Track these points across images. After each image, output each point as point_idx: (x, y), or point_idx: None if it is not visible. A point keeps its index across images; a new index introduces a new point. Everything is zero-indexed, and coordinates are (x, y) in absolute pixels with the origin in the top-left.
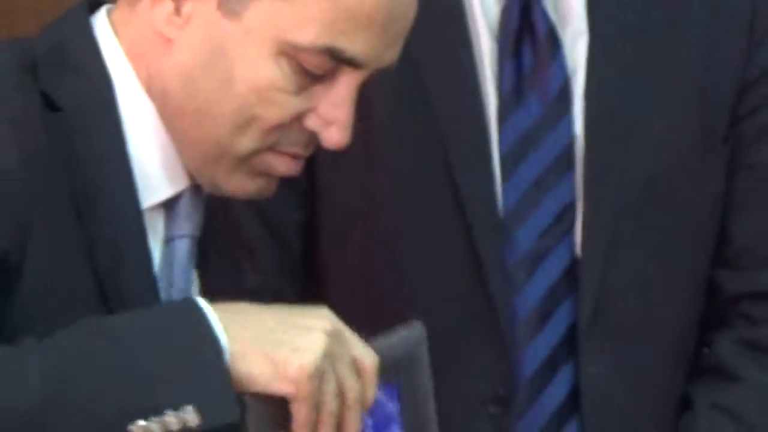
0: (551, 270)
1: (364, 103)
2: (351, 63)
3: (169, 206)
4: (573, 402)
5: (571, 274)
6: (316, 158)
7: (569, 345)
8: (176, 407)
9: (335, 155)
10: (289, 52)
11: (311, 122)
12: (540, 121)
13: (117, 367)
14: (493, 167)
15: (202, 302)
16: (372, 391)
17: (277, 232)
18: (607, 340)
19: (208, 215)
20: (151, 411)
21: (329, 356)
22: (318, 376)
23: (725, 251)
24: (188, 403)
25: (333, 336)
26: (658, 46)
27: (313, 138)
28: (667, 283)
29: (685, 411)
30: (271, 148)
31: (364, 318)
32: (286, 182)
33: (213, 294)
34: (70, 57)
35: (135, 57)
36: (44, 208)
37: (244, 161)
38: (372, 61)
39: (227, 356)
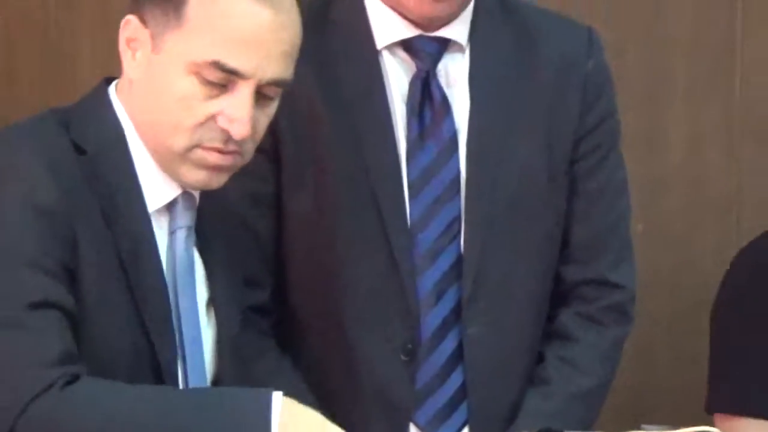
0: (443, 263)
1: (318, 145)
2: (236, 74)
3: (170, 207)
4: (458, 354)
5: (458, 266)
6: (283, 181)
7: (455, 315)
8: None
9: (297, 179)
10: (194, 70)
11: (221, 121)
12: (436, 160)
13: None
14: (404, 192)
15: (275, 396)
16: None
17: (258, 235)
18: (482, 312)
19: (208, 212)
20: None
21: None
22: None
23: (566, 251)
24: None
25: None
26: (517, 109)
27: (227, 135)
28: (525, 274)
29: (538, 363)
30: (199, 145)
31: (318, 294)
32: (263, 200)
33: (212, 265)
34: (93, 115)
35: (125, 105)
36: (83, 224)
37: (184, 157)
38: (255, 73)
39: None
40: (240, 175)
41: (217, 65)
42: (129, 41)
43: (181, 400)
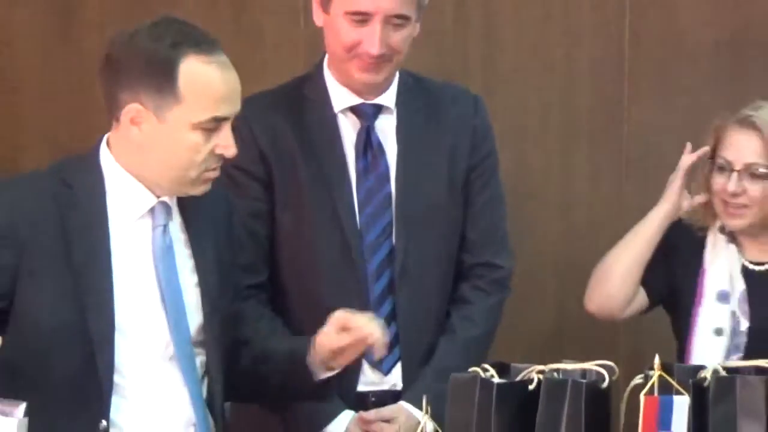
0: (381, 254)
1: (297, 177)
2: (225, 119)
3: (152, 212)
4: (393, 315)
5: (391, 256)
6: (274, 201)
7: (390, 288)
8: None
9: (283, 200)
10: (198, 126)
11: (218, 150)
12: (375, 185)
13: None
14: (355, 207)
15: None
16: None
17: (258, 239)
18: (407, 286)
19: (196, 217)
20: None
21: None
22: None
23: (464, 243)
24: None
25: None
26: (428, 151)
27: (222, 157)
28: (435, 260)
29: (446, 319)
30: (206, 170)
31: (300, 278)
32: (261, 215)
33: (199, 255)
34: (84, 161)
35: (118, 154)
36: (33, 242)
37: (195, 180)
38: (230, 115)
39: None
40: (244, 198)
41: (215, 119)
42: (133, 120)
43: None
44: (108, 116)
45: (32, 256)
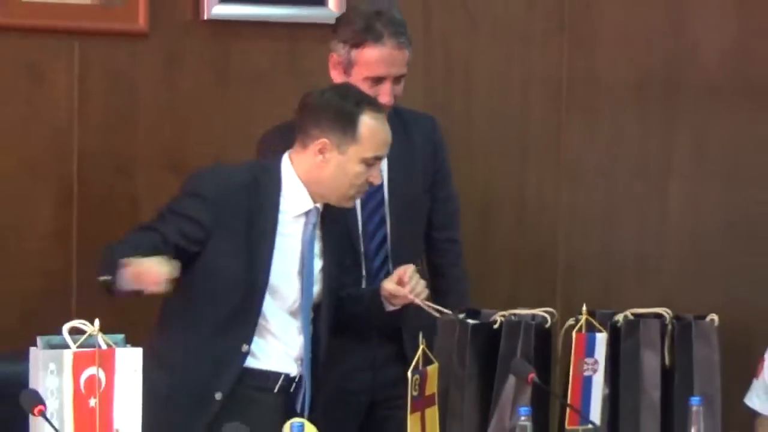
0: (377, 239)
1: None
2: (380, 158)
3: (307, 213)
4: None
5: (384, 240)
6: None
7: (384, 263)
8: None
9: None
10: (365, 161)
11: (371, 179)
12: (372, 191)
13: None
14: (357, 207)
15: None
16: None
17: None
18: (395, 260)
19: (327, 221)
20: None
21: None
22: None
23: (431, 224)
24: None
25: None
26: (407, 163)
27: (370, 183)
28: (414, 241)
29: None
30: (359, 191)
31: None
32: None
33: (325, 246)
34: (268, 166)
35: (298, 169)
36: (227, 213)
37: (351, 197)
38: (385, 156)
39: None
40: None
41: (376, 157)
42: (320, 150)
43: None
44: (296, 141)
45: (224, 223)
